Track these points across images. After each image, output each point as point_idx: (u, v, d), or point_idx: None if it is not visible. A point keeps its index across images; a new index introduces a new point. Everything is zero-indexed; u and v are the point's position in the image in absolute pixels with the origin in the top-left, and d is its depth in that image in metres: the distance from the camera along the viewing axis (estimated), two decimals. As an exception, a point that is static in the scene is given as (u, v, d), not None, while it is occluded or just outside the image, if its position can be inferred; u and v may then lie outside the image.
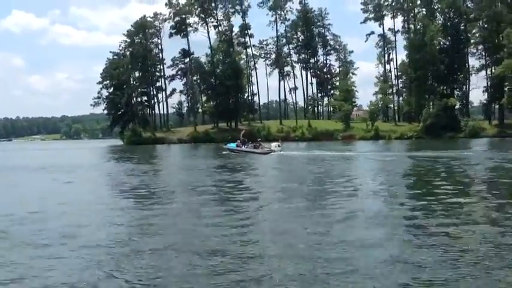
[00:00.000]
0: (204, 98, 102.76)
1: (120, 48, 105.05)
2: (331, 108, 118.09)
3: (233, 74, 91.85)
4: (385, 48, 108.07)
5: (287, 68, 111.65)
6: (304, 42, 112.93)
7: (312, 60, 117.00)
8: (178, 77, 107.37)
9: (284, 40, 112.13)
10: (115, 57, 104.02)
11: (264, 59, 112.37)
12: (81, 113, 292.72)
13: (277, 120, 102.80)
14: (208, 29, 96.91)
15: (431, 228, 9.68)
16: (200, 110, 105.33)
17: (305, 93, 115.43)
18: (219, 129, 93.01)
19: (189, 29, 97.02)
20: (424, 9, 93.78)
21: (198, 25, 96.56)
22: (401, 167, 26.54)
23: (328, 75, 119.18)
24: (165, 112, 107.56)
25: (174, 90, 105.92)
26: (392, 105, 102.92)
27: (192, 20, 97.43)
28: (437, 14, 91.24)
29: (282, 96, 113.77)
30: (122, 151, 61.42)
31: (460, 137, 78.40)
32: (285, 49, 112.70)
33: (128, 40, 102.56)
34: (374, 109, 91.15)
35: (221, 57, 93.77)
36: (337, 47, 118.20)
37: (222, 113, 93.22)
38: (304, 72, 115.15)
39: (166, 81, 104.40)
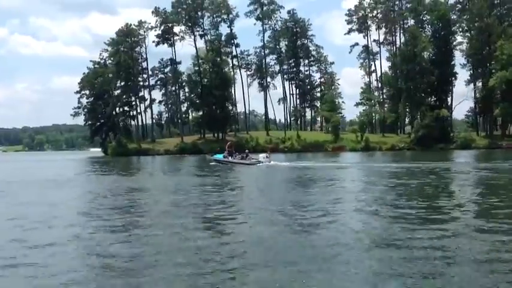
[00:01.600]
0: (186, 109, 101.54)
1: (101, 57, 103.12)
2: (317, 119, 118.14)
3: (221, 84, 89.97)
4: (369, 60, 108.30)
5: (269, 79, 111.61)
6: (289, 53, 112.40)
7: (294, 71, 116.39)
8: (158, 87, 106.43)
9: (267, 50, 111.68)
10: (96, 66, 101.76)
11: (245, 69, 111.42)
12: (43, 124, 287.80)
13: (263, 131, 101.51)
14: (195, 38, 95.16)
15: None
16: (185, 121, 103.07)
17: (289, 104, 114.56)
18: (206, 140, 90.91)
19: (176, 37, 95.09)
20: (412, 20, 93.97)
21: (185, 34, 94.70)
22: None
23: (309, 86, 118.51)
24: (145, 123, 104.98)
25: (153, 100, 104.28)
26: (376, 117, 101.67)
27: (178, 28, 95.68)
28: (426, 25, 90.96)
29: (265, 107, 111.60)
30: (106, 163, 58.48)
31: (451, 148, 77.92)
32: (268, 59, 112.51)
33: (109, 49, 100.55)
34: (363, 120, 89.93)
35: (208, 67, 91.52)
36: (320, 58, 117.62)
37: (209, 123, 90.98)
38: (287, 83, 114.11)
39: (146, 92, 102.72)
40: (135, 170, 42.15)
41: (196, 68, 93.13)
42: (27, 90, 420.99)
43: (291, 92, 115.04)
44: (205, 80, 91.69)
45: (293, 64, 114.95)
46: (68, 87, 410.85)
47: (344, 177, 27.64)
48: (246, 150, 47.28)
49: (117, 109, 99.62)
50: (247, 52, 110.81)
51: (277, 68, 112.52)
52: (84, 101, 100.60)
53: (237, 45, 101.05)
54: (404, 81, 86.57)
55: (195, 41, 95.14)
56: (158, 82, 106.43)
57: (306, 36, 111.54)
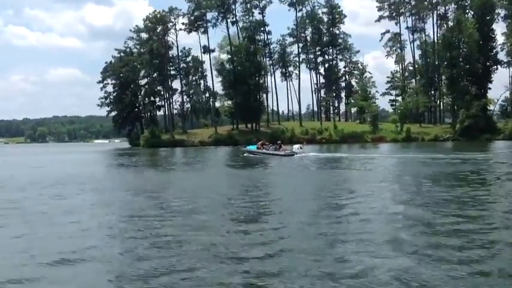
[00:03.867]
0: (214, 99, 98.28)
1: (126, 45, 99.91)
2: (348, 110, 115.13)
3: (255, 72, 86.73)
4: (401, 48, 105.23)
5: (291, 68, 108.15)
6: (315, 41, 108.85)
7: (321, 60, 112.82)
8: (180, 76, 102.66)
9: (292, 39, 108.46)
10: (121, 54, 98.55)
11: (268, 58, 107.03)
12: (42, 116, 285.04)
13: (294, 122, 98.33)
14: (227, 25, 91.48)
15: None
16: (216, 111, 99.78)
17: (318, 94, 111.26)
18: (240, 131, 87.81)
19: (208, 24, 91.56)
20: (448, 7, 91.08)
21: (217, 21, 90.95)
22: None
23: (336, 75, 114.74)
24: (172, 113, 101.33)
25: (182, 90, 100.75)
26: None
27: (210, 15, 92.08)
28: (469, 10, 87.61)
29: (299, 97, 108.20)
30: (154, 156, 55.04)
31: (497, 139, 75.06)
32: (292, 48, 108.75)
33: (134, 36, 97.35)
34: (404, 110, 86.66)
35: (242, 55, 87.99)
36: (347, 46, 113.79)
37: (243, 113, 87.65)
38: (312, 73, 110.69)
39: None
40: (194, 163, 39.22)
41: (229, 56, 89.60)
42: (23, 82, 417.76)
43: (315, 82, 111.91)
44: (239, 68, 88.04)
45: (319, 53, 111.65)
46: (65, 78, 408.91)
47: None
48: (279, 142, 46.62)
49: (147, 99, 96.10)
50: (269, 40, 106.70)
51: (302, 56, 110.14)
52: (105, 90, 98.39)
53: (269, 33, 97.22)
54: (446, 69, 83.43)
55: (227, 28, 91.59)
56: (180, 72, 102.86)
57: (335, 24, 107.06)
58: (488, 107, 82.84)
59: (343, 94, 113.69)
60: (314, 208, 12.97)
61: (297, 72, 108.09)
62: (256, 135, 72.69)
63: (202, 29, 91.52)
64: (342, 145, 72.05)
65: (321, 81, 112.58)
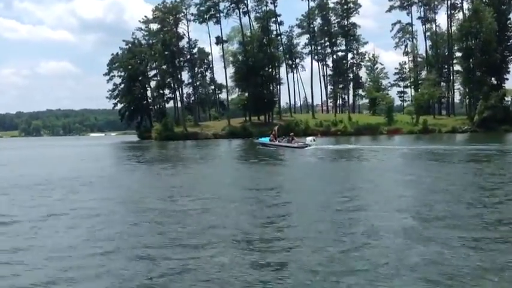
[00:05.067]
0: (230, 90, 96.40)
1: (134, 36, 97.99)
2: (358, 102, 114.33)
3: (268, 64, 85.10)
4: (412, 39, 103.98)
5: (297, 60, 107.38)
6: (323, 32, 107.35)
7: (329, 50, 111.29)
8: (188, 68, 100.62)
9: (300, 30, 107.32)
10: (129, 45, 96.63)
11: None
12: (35, 109, 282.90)
13: (306, 114, 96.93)
14: (240, 15, 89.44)
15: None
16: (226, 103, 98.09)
17: (325, 85, 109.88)
18: (254, 123, 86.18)
19: (220, 15, 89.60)
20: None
21: (230, 11, 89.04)
22: None
23: (345, 67, 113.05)
24: (180, 105, 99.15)
25: (183, 82, 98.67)
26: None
27: (222, 5, 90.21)
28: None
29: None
30: (177, 149, 53.25)
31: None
32: (299, 40, 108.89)
33: (143, 27, 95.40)
34: (420, 101, 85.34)
35: (255, 45, 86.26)
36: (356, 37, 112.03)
37: (256, 105, 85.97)
38: (319, 64, 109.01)
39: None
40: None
41: (241, 47, 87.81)
42: (14, 75, 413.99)
43: (323, 73, 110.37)
44: (251, 59, 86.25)
45: (327, 44, 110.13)
46: (56, 71, 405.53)
47: None
48: (291, 133, 46.15)
49: (157, 91, 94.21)
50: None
51: (310, 48, 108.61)
52: (114, 82, 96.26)
53: (281, 23, 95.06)
54: (463, 59, 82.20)
55: (240, 18, 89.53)
56: (185, 64, 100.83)
57: (349, 14, 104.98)
58: (505, 98, 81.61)
59: (350, 86, 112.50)
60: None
61: (303, 63, 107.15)
62: (270, 128, 71.18)
63: (214, 20, 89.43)
64: (359, 137, 70.66)
65: (328, 73, 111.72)
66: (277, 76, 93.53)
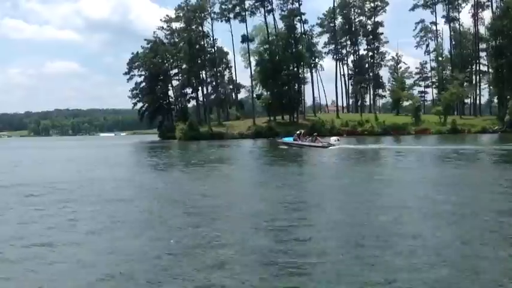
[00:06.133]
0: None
1: (155, 35, 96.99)
2: (381, 102, 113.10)
3: (294, 62, 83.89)
4: (436, 38, 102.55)
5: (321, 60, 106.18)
6: (344, 31, 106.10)
7: (348, 50, 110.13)
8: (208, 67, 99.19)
9: (320, 29, 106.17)
10: (150, 44, 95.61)
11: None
12: (43, 109, 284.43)
13: (331, 114, 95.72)
14: (265, 13, 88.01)
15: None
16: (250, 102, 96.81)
17: (347, 85, 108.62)
18: (279, 123, 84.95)
19: (247, 13, 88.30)
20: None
21: (255, 9, 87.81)
22: None
23: (366, 66, 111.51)
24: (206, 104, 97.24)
25: (205, 81, 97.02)
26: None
27: (247, 3, 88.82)
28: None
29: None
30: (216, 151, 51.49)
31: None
32: (318, 39, 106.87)
33: (165, 26, 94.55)
34: (450, 101, 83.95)
35: (281, 43, 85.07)
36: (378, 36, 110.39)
37: (282, 104, 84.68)
38: (339, 63, 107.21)
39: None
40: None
41: (266, 46, 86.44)
42: (21, 75, 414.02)
43: (342, 73, 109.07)
44: (278, 58, 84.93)
45: (348, 43, 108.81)
46: (62, 71, 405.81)
47: None
48: (315, 133, 46.37)
49: (180, 90, 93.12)
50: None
51: (330, 47, 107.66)
52: (136, 81, 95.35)
53: (305, 22, 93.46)
54: (494, 58, 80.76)
55: (265, 16, 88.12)
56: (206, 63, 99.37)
57: (377, 12, 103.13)
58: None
59: (371, 85, 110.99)
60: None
61: (321, 63, 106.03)
62: (296, 127, 69.86)
63: (239, 18, 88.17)
64: (387, 137, 69.23)
65: (348, 73, 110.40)
66: (302, 75, 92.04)
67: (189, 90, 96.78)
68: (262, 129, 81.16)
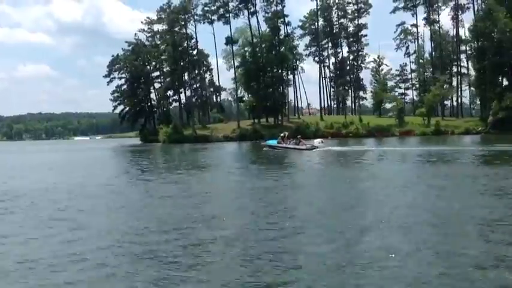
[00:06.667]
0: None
1: (136, 37, 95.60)
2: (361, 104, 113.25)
3: (278, 64, 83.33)
4: (417, 39, 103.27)
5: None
6: (325, 33, 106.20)
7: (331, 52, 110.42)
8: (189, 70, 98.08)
9: (302, 31, 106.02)
10: (132, 46, 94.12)
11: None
12: (15, 113, 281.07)
13: (314, 117, 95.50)
14: (249, 15, 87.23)
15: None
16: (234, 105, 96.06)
17: (327, 88, 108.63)
18: (263, 126, 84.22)
19: (231, 14, 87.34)
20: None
21: (238, 11, 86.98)
22: None
23: (348, 68, 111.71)
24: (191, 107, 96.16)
25: (187, 83, 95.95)
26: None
27: (231, 5, 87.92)
28: None
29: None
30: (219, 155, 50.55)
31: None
32: (299, 41, 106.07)
33: (145, 28, 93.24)
34: (433, 102, 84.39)
35: (264, 46, 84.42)
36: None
37: (267, 107, 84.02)
38: (321, 66, 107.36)
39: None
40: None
41: (250, 48, 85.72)
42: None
43: (326, 75, 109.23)
44: (262, 60, 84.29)
45: (330, 45, 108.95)
46: (34, 74, 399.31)
47: None
48: (298, 136, 46.16)
49: (161, 93, 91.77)
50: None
51: (311, 49, 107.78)
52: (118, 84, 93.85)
53: (288, 24, 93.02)
54: (476, 60, 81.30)
55: (249, 18, 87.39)
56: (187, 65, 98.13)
57: (360, 14, 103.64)
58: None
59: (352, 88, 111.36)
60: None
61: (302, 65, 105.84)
62: (281, 130, 69.26)
63: (223, 20, 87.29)
64: (372, 139, 69.27)
65: (328, 75, 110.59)
66: (286, 77, 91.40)
67: (171, 93, 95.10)
68: (247, 131, 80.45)
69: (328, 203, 13.38)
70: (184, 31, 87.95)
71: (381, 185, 17.02)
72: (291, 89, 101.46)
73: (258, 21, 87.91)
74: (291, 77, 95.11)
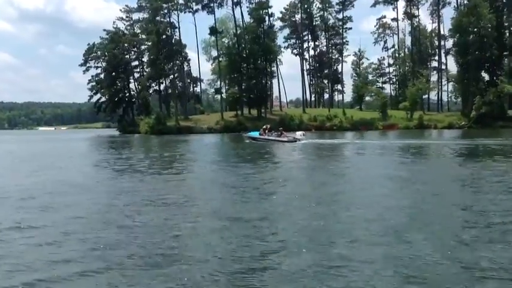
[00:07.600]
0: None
1: (115, 26, 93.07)
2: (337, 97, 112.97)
3: (263, 56, 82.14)
4: (398, 33, 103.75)
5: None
6: (305, 26, 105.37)
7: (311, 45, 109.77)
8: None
9: (281, 23, 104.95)
10: (111, 35, 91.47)
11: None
12: None
13: (297, 109, 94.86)
14: (233, 5, 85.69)
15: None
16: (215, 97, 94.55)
17: (307, 80, 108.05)
18: (246, 118, 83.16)
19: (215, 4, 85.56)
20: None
21: (222, 1, 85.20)
22: None
23: (327, 62, 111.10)
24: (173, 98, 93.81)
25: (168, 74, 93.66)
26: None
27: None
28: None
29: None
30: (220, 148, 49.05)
31: (510, 126, 73.92)
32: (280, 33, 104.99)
33: (124, 16, 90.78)
34: (416, 96, 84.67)
35: (248, 37, 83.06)
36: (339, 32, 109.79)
37: (249, 99, 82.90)
38: (300, 58, 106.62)
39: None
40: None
41: (234, 38, 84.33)
42: None
43: (306, 68, 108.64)
44: (246, 51, 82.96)
45: (310, 38, 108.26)
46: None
47: None
48: (280, 128, 46.67)
49: (145, 82, 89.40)
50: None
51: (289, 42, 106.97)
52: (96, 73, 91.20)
53: (271, 15, 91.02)
54: (458, 55, 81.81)
55: (233, 8, 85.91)
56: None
57: (345, 7, 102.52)
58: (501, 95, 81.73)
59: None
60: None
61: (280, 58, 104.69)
62: (265, 122, 68.43)
63: (207, 9, 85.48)
64: (355, 132, 69.10)
65: (307, 68, 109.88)
66: (270, 69, 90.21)
67: (153, 83, 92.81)
68: (231, 123, 79.19)
69: (296, 196, 12.77)
70: (168, 20, 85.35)
71: (356, 178, 17.00)
72: (274, 81, 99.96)
73: (241, 12, 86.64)
74: (274, 69, 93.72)
